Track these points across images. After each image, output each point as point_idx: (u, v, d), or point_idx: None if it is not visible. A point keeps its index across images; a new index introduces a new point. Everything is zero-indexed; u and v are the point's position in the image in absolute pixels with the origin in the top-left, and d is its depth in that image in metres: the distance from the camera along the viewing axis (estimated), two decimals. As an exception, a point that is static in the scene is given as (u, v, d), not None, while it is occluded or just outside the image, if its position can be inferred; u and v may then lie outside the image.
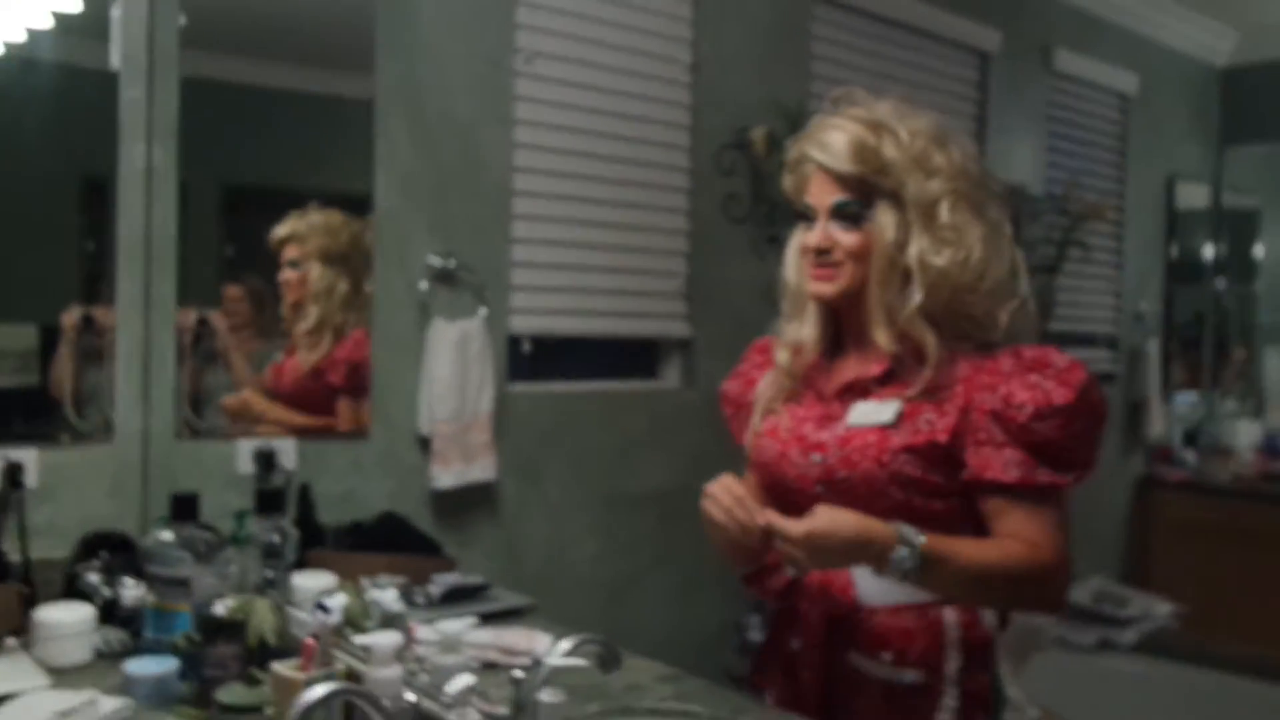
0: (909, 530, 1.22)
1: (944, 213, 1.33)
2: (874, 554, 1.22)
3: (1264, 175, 4.73)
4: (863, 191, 1.34)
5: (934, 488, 1.30)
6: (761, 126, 2.81)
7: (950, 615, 1.34)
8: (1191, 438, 4.56)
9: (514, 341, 2.45)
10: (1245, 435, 4.48)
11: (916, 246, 1.32)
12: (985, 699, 1.34)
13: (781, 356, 1.46)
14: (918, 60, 3.32)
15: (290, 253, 2.10)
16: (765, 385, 1.48)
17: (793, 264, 1.45)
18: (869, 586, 1.34)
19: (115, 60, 1.89)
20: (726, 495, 1.29)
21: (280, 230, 2.09)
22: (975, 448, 1.29)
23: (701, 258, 2.78)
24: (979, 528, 1.34)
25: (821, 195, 1.36)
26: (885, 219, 1.33)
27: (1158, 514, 4.32)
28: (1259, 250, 4.77)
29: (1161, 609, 3.59)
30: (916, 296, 1.32)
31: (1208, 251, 4.68)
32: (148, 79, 1.92)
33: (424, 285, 2.26)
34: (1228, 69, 4.62)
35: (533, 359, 2.49)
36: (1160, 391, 4.31)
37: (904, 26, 3.26)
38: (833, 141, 1.34)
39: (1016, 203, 1.31)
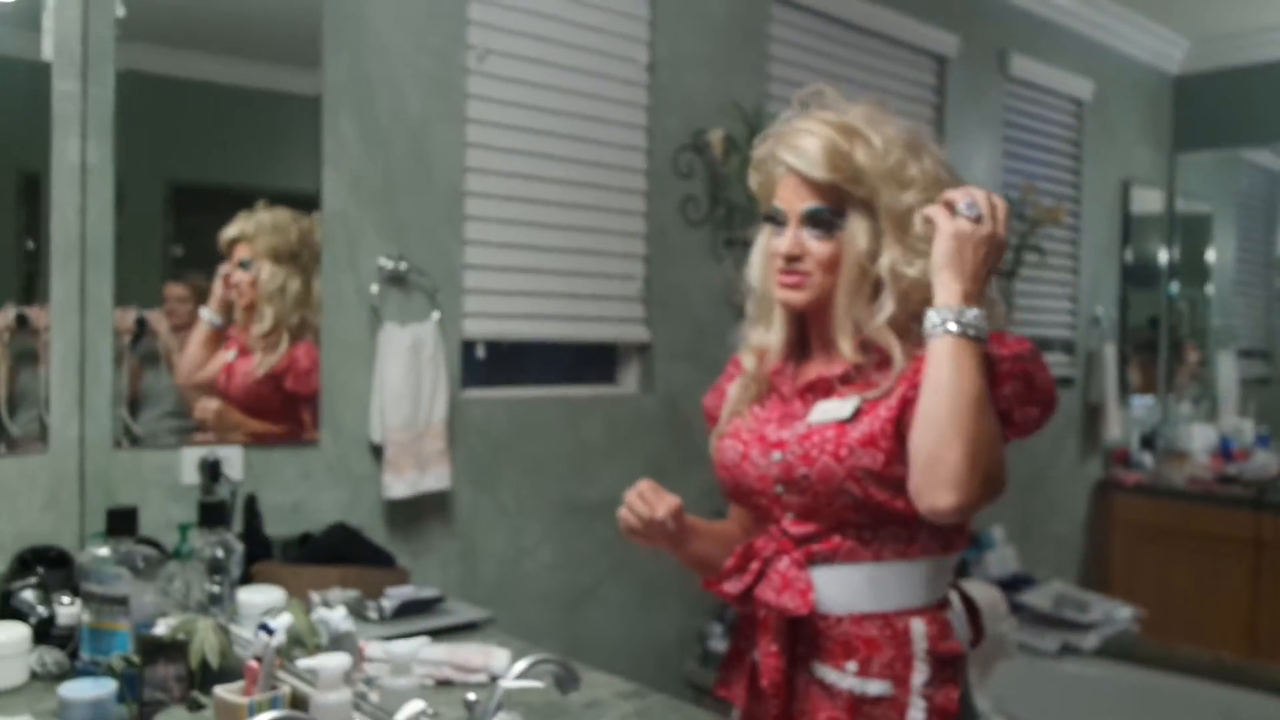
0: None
1: (918, 224, 1.29)
2: (954, 286, 1.20)
3: (1214, 181, 4.79)
4: (835, 199, 1.30)
5: (895, 481, 1.26)
6: (719, 129, 2.78)
7: (919, 625, 1.30)
8: (1148, 441, 4.60)
9: (468, 346, 2.39)
10: (1200, 438, 4.53)
11: (889, 257, 1.29)
12: (953, 714, 1.29)
13: (748, 361, 1.43)
14: (876, 64, 3.31)
15: (240, 253, 2.05)
16: (734, 389, 1.45)
17: (759, 267, 1.41)
18: (829, 593, 1.30)
19: (48, 51, 1.81)
20: (631, 493, 1.31)
21: (229, 231, 2.04)
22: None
23: (659, 261, 2.74)
24: (936, 528, 1.31)
25: (793, 200, 1.33)
26: (857, 228, 1.30)
27: (1115, 517, 4.35)
28: (1210, 255, 4.83)
29: (1122, 613, 3.60)
30: (888, 307, 1.30)
31: (1162, 255, 4.72)
32: (82, 71, 1.84)
33: (374, 288, 2.19)
34: (1180, 76, 4.67)
35: (487, 364, 2.43)
36: (1117, 395, 4.34)
37: (863, 30, 3.25)
38: (806, 146, 1.30)
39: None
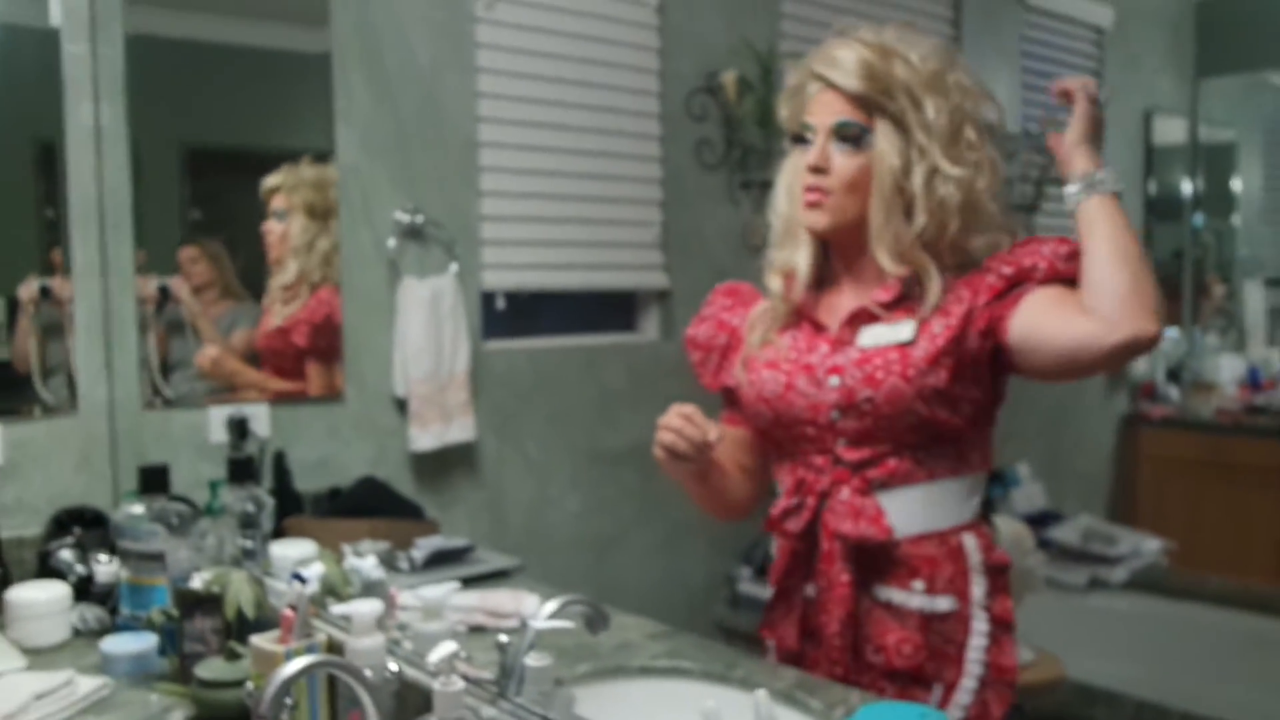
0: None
1: (969, 132, 1.32)
2: (1090, 154, 1.28)
3: (1240, 107, 4.69)
4: (865, 112, 1.32)
5: (954, 399, 1.29)
6: (732, 70, 2.74)
7: (969, 540, 1.34)
8: (1174, 374, 4.56)
9: (487, 298, 2.39)
10: (1228, 369, 4.48)
11: (923, 169, 1.30)
12: (1010, 622, 1.34)
13: (774, 283, 1.43)
14: (891, -2, 3.25)
15: (277, 203, 2.06)
16: (758, 315, 1.46)
17: (784, 191, 1.42)
18: (899, 516, 1.32)
19: (56, 16, 1.81)
20: (675, 417, 1.30)
21: (271, 179, 2.06)
22: (1008, 303, 1.28)
23: (675, 206, 2.72)
24: (984, 445, 1.37)
25: (823, 114, 1.34)
26: (886, 144, 1.31)
27: (1142, 451, 4.33)
28: (1236, 184, 4.74)
29: (1150, 546, 3.60)
30: (920, 221, 1.31)
31: (1186, 187, 4.64)
32: (90, 33, 1.84)
33: (392, 242, 2.19)
34: (1202, -1, 4.56)
35: (507, 315, 2.43)
36: (1142, 328, 4.29)
37: (876, -37, 3.19)
38: (841, 58, 1.32)
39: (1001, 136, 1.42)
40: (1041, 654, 2.65)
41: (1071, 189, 1.28)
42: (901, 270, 1.32)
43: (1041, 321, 1.25)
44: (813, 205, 1.34)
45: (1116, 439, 4.36)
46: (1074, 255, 1.27)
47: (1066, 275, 1.27)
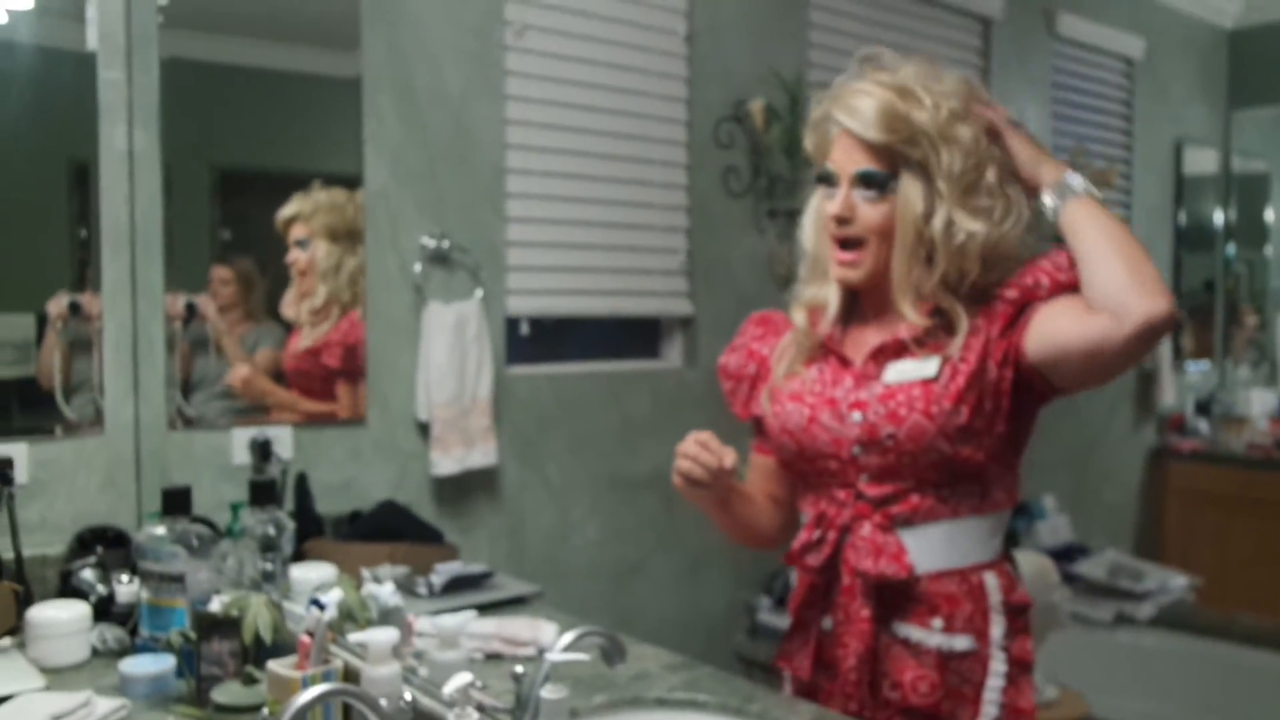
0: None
1: (990, 177, 1.31)
2: (1053, 165, 1.31)
3: (1273, 138, 4.64)
4: (888, 161, 1.31)
5: (977, 435, 1.29)
6: (759, 98, 2.75)
7: (991, 579, 1.33)
8: (1204, 407, 4.50)
9: (512, 323, 2.40)
10: (1259, 403, 4.42)
11: (942, 217, 1.29)
12: (1029, 663, 1.33)
13: (798, 318, 1.43)
14: (918, 27, 3.25)
15: (297, 232, 2.07)
16: (785, 347, 1.46)
17: (810, 230, 1.42)
18: (921, 553, 1.31)
19: (92, 41, 1.84)
20: (692, 444, 1.31)
21: (286, 211, 2.06)
22: (1020, 327, 1.29)
23: (701, 233, 2.72)
24: (1009, 481, 1.35)
25: (846, 161, 1.33)
26: (911, 191, 1.30)
27: (1170, 485, 4.27)
28: (1269, 214, 4.70)
29: (1177, 582, 3.54)
30: (940, 267, 1.31)
31: (1217, 217, 4.60)
32: (126, 59, 1.87)
33: (418, 267, 2.21)
34: (1235, 30, 4.53)
35: (531, 341, 2.44)
36: (1171, 361, 4.26)
37: (904, -7, 3.19)
38: (861, 107, 1.31)
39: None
40: (1065, 691, 2.62)
41: (1048, 201, 1.29)
42: (924, 321, 1.31)
43: (1055, 331, 1.24)
44: (846, 264, 1.35)
45: (1144, 472, 4.31)
46: (1074, 263, 1.26)
47: (1071, 285, 1.26)
